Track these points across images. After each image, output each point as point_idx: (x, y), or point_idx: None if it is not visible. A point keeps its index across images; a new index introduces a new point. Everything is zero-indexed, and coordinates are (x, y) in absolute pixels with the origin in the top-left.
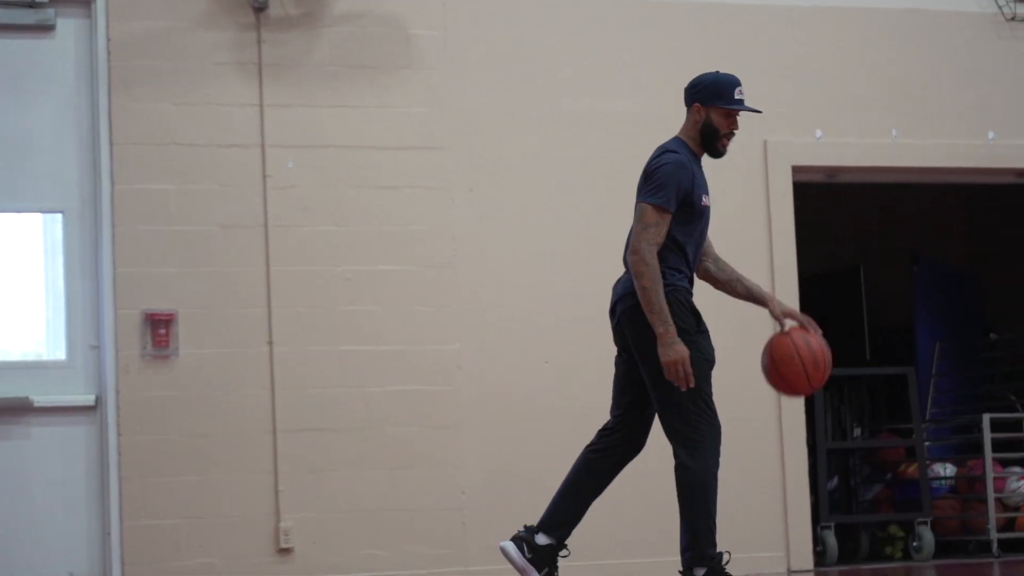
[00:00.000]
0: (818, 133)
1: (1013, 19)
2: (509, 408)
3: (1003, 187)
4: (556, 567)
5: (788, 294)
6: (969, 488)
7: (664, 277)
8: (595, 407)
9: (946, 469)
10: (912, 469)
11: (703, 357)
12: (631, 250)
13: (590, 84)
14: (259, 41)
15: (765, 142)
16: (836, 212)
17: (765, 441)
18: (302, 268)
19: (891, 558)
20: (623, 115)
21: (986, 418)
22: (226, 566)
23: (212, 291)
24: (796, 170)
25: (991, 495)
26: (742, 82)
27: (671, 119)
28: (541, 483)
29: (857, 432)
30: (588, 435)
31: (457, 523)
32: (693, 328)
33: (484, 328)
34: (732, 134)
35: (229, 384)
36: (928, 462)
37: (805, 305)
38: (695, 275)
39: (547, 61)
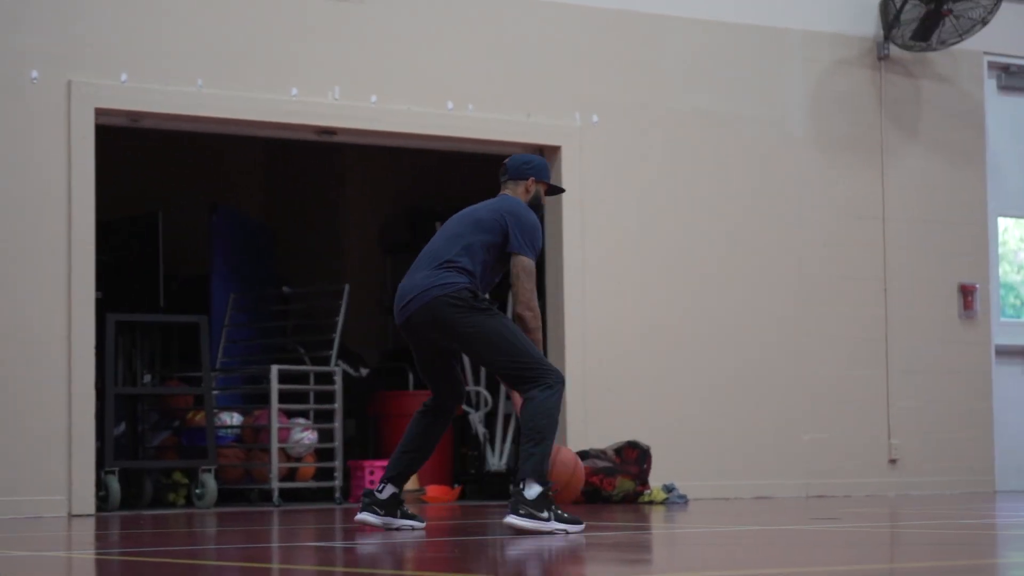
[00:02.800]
0: (123, 76)
1: None
2: None
3: (302, 143)
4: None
5: (84, 237)
6: (254, 438)
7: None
8: None
9: (233, 418)
10: (200, 417)
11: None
12: (527, 306)
13: None
14: None
15: (69, 82)
16: (138, 157)
17: (53, 384)
18: None
19: (174, 504)
20: None
21: (274, 369)
22: None
23: None
24: (99, 112)
25: (275, 445)
26: None
27: None
28: None
29: (147, 379)
30: None
31: None
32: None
33: None
34: None
35: None
36: (216, 411)
37: (102, 251)
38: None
39: None
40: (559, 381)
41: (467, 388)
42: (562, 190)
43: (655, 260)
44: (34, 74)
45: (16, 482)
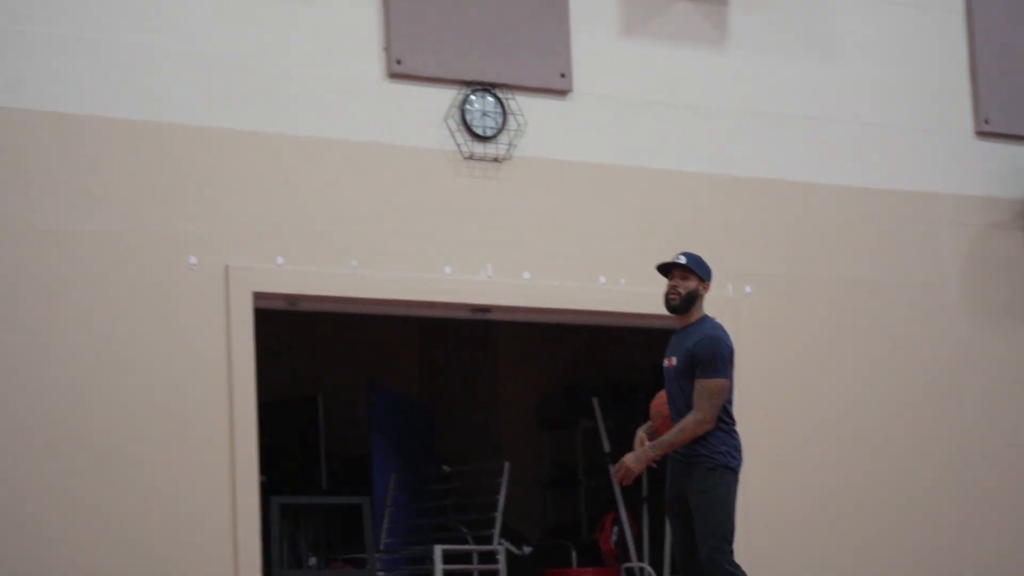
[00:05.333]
0: (279, 260)
1: (471, 157)
2: None
3: (457, 321)
4: None
5: (246, 421)
6: None
7: None
8: None
9: None
10: None
11: None
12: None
13: None
14: None
15: (227, 267)
16: (296, 339)
17: (217, 570)
18: None
19: None
20: None
21: (438, 549)
22: None
23: None
24: (257, 296)
25: None
26: None
27: None
28: None
29: (312, 560)
30: None
31: None
32: None
33: None
34: (674, 287)
35: None
36: None
37: (263, 432)
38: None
39: None
40: None
41: None
42: (669, 264)
43: (817, 429)
44: (192, 260)
45: None
